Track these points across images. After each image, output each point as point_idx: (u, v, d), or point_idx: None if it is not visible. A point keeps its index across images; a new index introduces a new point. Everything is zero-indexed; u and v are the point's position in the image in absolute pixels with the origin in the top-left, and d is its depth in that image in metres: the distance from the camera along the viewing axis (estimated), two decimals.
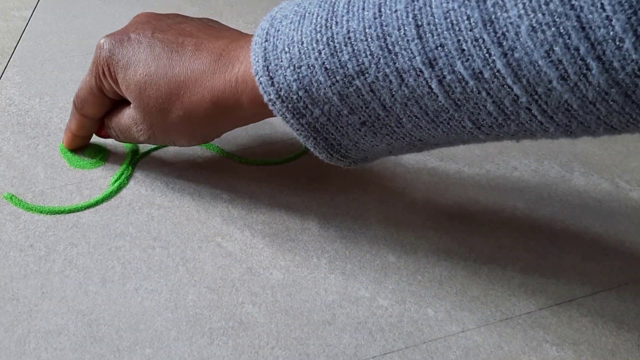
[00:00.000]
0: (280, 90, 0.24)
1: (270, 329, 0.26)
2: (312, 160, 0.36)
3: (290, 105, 0.25)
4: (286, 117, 0.25)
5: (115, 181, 0.34)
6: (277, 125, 0.39)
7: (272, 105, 0.25)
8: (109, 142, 0.37)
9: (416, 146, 0.26)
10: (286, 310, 0.27)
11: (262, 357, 0.25)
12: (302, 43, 0.24)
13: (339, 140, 0.26)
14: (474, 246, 0.31)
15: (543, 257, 0.30)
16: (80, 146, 0.36)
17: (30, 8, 0.55)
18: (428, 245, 0.31)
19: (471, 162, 0.36)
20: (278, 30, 0.25)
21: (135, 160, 0.36)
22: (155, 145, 0.37)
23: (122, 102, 0.32)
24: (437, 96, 0.21)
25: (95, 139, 0.36)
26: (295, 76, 0.24)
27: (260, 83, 0.25)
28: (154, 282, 0.28)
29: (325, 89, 0.24)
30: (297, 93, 0.24)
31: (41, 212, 0.32)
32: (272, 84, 0.25)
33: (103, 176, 0.35)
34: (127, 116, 0.31)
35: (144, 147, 0.37)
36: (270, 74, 0.25)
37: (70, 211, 0.32)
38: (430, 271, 0.29)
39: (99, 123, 0.34)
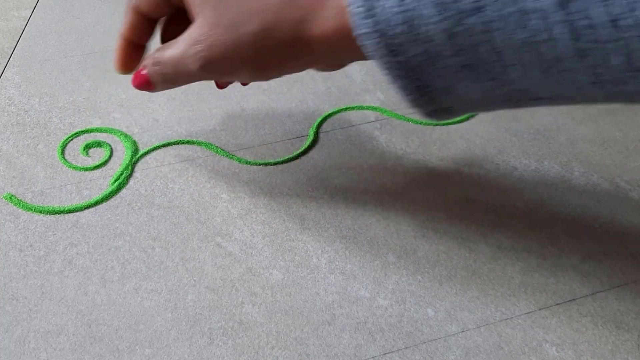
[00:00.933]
0: (379, 24, 0.21)
1: (270, 329, 0.26)
2: (312, 160, 0.36)
3: (387, 42, 0.22)
4: (378, 54, 0.22)
5: (115, 181, 0.34)
6: (277, 125, 0.39)
7: (366, 39, 0.22)
8: (109, 142, 0.37)
9: (512, 100, 0.23)
10: (286, 310, 0.27)
11: (262, 357, 0.25)
12: None
13: (432, 83, 0.23)
14: (474, 246, 0.31)
15: (543, 257, 0.30)
16: (131, 65, 0.31)
17: (30, 8, 0.55)
18: (428, 245, 0.31)
19: (471, 162, 0.36)
20: None
21: (135, 160, 0.36)
22: (155, 145, 0.37)
23: (179, 25, 0.28)
24: (560, 43, 0.19)
25: (95, 138, 0.36)
26: (399, 7, 0.21)
27: (355, 14, 0.22)
28: (154, 282, 0.28)
29: (432, 25, 0.21)
30: (398, 27, 0.21)
31: (41, 212, 0.32)
32: (371, 15, 0.21)
33: (103, 176, 0.35)
34: (185, 38, 0.27)
35: (143, 147, 0.37)
36: (369, 3, 0.21)
37: (70, 211, 0.32)
38: (430, 271, 0.29)
39: (152, 30, 0.30)
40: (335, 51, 0.25)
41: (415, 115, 0.40)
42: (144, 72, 0.29)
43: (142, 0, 0.29)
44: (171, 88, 0.30)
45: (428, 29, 0.21)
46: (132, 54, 0.30)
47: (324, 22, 0.24)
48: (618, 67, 0.19)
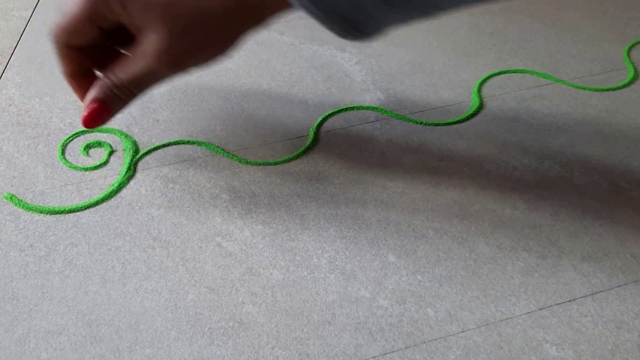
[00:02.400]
0: None
1: (270, 329, 0.26)
2: (312, 160, 0.36)
3: None
4: (303, 3, 0.25)
5: (115, 181, 0.34)
6: (277, 125, 0.39)
7: None
8: (110, 142, 0.37)
9: (429, 12, 0.27)
10: (286, 310, 0.27)
11: (262, 357, 0.25)
12: None
13: (357, 17, 0.26)
14: (474, 246, 0.31)
15: (543, 257, 0.30)
16: (80, 90, 0.31)
17: (30, 8, 0.55)
18: (428, 245, 0.31)
19: (471, 162, 0.36)
20: None
21: (135, 160, 0.36)
22: (155, 145, 0.37)
23: (109, 56, 0.29)
24: None
25: (95, 138, 0.36)
26: None
27: None
28: (154, 282, 0.28)
29: None
30: None
31: (41, 212, 0.32)
32: None
33: (103, 176, 0.35)
34: (144, 54, 0.28)
35: (143, 147, 0.37)
36: None
37: (70, 211, 0.32)
38: (430, 271, 0.29)
39: (89, 53, 0.30)
40: (268, 8, 0.28)
41: (415, 115, 0.40)
42: (95, 104, 0.29)
43: (72, 36, 0.28)
44: (128, 104, 0.30)
45: None
46: (83, 83, 0.31)
47: None
48: None
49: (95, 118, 0.29)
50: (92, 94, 0.29)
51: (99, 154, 0.36)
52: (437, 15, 0.27)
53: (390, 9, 0.26)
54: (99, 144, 0.37)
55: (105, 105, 0.29)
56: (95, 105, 0.29)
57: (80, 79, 0.31)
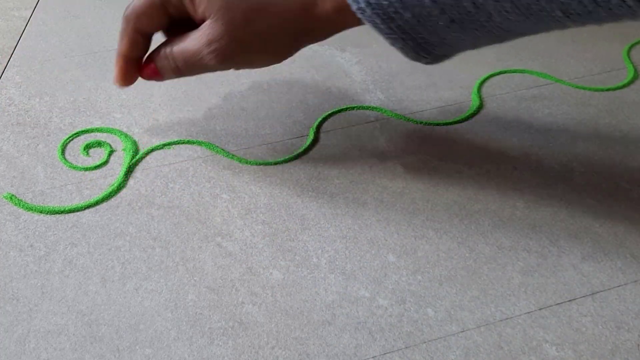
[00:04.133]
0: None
1: (270, 329, 0.26)
2: (312, 160, 0.36)
3: (380, 12, 0.25)
4: (375, 23, 0.26)
5: (115, 181, 0.34)
6: (277, 125, 0.39)
7: (362, 13, 0.26)
8: (110, 142, 0.37)
9: (501, 37, 0.27)
10: (286, 310, 0.27)
11: (262, 357, 0.25)
12: None
13: (427, 39, 0.27)
14: (474, 246, 0.31)
15: (543, 257, 0.30)
16: (132, 79, 0.32)
17: (30, 8, 0.55)
18: (428, 246, 0.31)
19: (471, 162, 0.36)
20: None
21: (135, 160, 0.36)
22: (155, 145, 0.37)
23: (179, 31, 0.30)
24: None
25: (95, 138, 0.36)
26: None
27: None
28: (154, 282, 0.28)
29: None
30: None
31: (41, 212, 0.32)
32: None
33: (103, 176, 0.35)
34: (199, 38, 0.29)
35: (143, 147, 0.37)
36: None
37: (70, 211, 0.32)
38: (430, 271, 0.29)
39: (149, 44, 0.32)
40: (335, 25, 0.28)
41: (415, 115, 0.40)
42: (153, 65, 0.31)
43: (144, 20, 0.30)
44: (179, 77, 0.32)
45: None
46: (132, 69, 0.32)
47: (323, 4, 0.27)
48: (586, 1, 0.22)
49: (147, 75, 0.32)
50: (151, 54, 0.31)
51: (99, 154, 0.36)
52: (508, 40, 0.27)
53: (462, 31, 0.26)
54: (99, 144, 0.37)
55: (157, 69, 0.31)
56: (150, 65, 0.31)
57: (131, 64, 0.32)
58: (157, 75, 0.32)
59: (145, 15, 0.30)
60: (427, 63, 0.29)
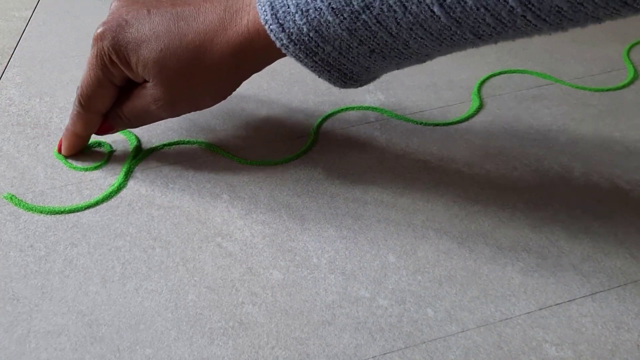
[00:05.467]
0: (292, 35, 0.26)
1: (270, 329, 0.26)
2: (312, 160, 0.36)
3: (302, 47, 0.27)
4: (299, 57, 0.27)
5: (115, 181, 0.34)
6: (277, 126, 0.39)
7: (286, 49, 0.27)
8: (109, 141, 0.37)
9: (421, 60, 0.28)
10: (286, 310, 0.27)
11: (262, 357, 0.25)
12: None
13: (351, 69, 0.28)
14: (474, 246, 0.31)
15: (543, 257, 0.30)
16: (80, 149, 0.36)
17: (30, 8, 0.55)
18: (428, 246, 0.31)
19: (471, 162, 0.36)
20: None
21: (135, 161, 0.36)
22: (155, 145, 0.37)
23: (126, 89, 0.32)
24: (440, 18, 0.24)
25: (95, 138, 0.36)
26: (305, 20, 0.26)
27: (271, 31, 0.27)
28: (154, 282, 0.28)
29: (334, 27, 0.25)
30: (308, 35, 0.26)
31: (41, 212, 0.32)
32: (283, 30, 0.26)
33: (103, 176, 0.35)
34: (144, 97, 0.31)
35: (143, 147, 0.37)
36: (280, 21, 0.26)
37: (70, 211, 0.32)
38: (430, 271, 0.29)
39: (97, 123, 0.34)
40: (271, 57, 0.30)
41: (415, 115, 0.40)
42: (106, 126, 0.34)
43: (97, 102, 0.32)
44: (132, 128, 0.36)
45: (333, 30, 0.26)
46: (82, 144, 0.35)
47: (254, 44, 0.28)
48: (493, 24, 0.24)
49: (102, 132, 0.35)
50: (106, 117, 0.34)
51: (99, 154, 0.36)
52: (430, 59, 0.29)
53: (383, 59, 0.27)
54: (99, 144, 0.37)
55: (110, 125, 0.34)
56: (104, 124, 0.34)
57: (83, 140, 0.35)
58: (110, 130, 0.34)
59: (97, 96, 0.32)
60: (357, 87, 0.31)
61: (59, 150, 0.35)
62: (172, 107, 0.31)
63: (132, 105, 0.32)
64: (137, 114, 0.32)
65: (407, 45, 0.26)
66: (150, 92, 0.31)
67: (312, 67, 0.28)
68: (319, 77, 0.29)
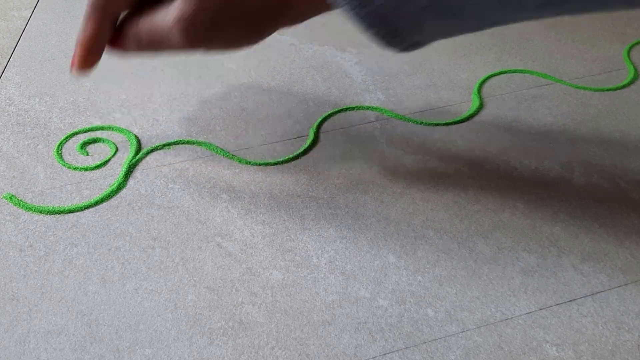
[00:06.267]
0: None
1: (270, 329, 0.26)
2: (312, 160, 0.36)
3: None
4: (347, 8, 0.25)
5: (115, 181, 0.34)
6: (277, 126, 0.39)
7: None
8: (109, 142, 0.37)
9: (474, 26, 0.26)
10: (286, 310, 0.27)
11: (262, 357, 0.25)
12: None
13: (399, 25, 0.26)
14: (474, 246, 0.31)
15: (543, 257, 0.30)
16: (92, 62, 0.31)
17: (30, 8, 0.55)
18: (428, 246, 0.31)
19: (471, 162, 0.36)
20: None
21: (135, 160, 0.36)
22: (155, 145, 0.37)
23: (151, 3, 0.29)
24: None
25: (95, 137, 0.36)
26: None
27: None
28: (154, 282, 0.28)
29: None
30: None
31: (41, 212, 0.32)
32: None
33: (103, 176, 0.35)
34: (167, 13, 0.27)
35: (143, 147, 0.37)
36: None
37: (69, 211, 0.32)
38: (430, 271, 0.29)
39: (109, 28, 0.30)
40: (310, 8, 0.28)
41: (415, 115, 0.40)
42: (119, 43, 0.30)
43: (114, 0, 0.28)
44: (141, 54, 0.30)
45: None
46: (95, 52, 0.30)
47: None
48: None
49: (112, 43, 0.30)
50: (120, 24, 0.30)
51: (99, 154, 0.36)
52: (481, 29, 0.27)
53: (436, 18, 0.26)
54: (98, 142, 0.37)
55: (122, 40, 0.30)
56: (117, 37, 0.30)
57: (95, 47, 0.30)
58: (121, 47, 0.30)
59: None
60: (400, 52, 0.29)
61: (72, 67, 0.31)
62: (194, 32, 0.27)
63: (151, 22, 0.28)
64: (153, 34, 0.28)
65: (463, 7, 0.24)
66: (176, 10, 0.27)
67: (359, 19, 0.26)
68: (365, 31, 0.26)
